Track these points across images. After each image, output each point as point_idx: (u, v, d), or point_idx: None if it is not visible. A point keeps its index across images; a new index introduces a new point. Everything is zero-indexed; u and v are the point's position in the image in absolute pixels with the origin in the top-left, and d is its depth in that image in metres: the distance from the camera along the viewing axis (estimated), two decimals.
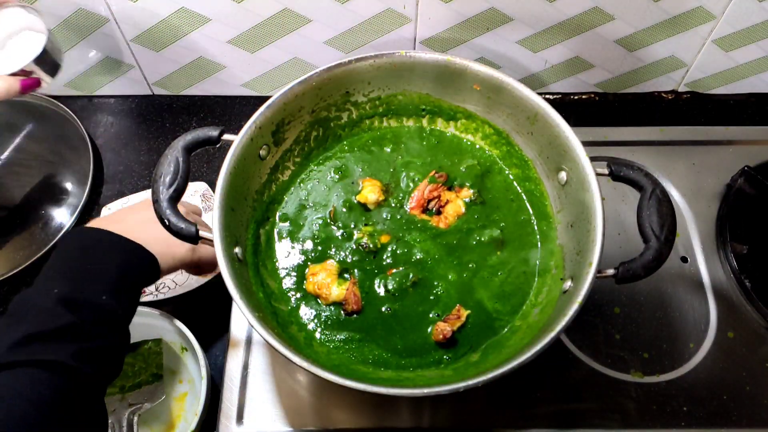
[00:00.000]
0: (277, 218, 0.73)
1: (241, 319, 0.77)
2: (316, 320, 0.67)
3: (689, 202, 0.84)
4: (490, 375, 0.53)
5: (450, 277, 0.68)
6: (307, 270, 0.69)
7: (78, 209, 0.84)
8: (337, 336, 0.66)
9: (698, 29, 0.85)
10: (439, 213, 0.72)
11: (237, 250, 0.64)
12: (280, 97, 0.68)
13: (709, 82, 0.95)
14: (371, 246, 0.69)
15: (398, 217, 0.72)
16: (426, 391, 0.54)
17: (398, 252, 0.70)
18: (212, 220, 0.61)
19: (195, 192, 0.86)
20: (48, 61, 0.73)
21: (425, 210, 0.73)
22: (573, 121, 0.66)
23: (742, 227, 0.81)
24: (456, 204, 0.72)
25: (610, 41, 0.87)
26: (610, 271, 0.60)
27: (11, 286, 0.82)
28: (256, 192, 0.71)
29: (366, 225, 0.72)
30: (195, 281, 0.79)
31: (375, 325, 0.66)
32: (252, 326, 0.56)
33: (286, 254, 0.71)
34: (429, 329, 0.66)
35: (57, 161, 0.91)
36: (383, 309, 0.67)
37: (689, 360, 0.74)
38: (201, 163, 0.90)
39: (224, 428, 0.70)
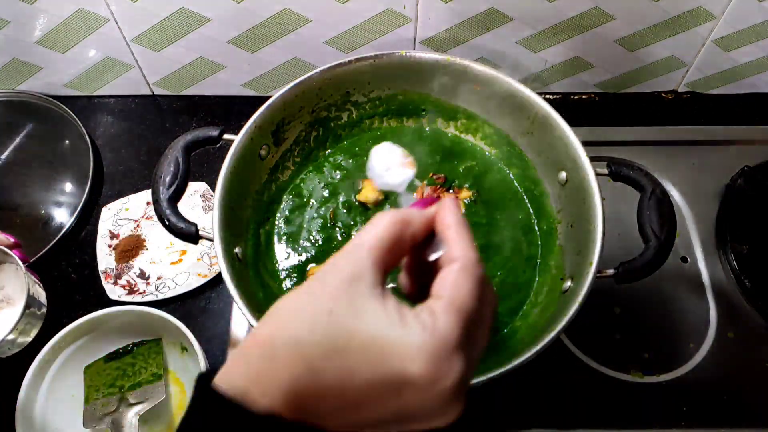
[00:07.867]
0: (277, 218, 0.73)
1: (241, 319, 0.77)
2: None
3: (689, 202, 0.84)
4: (490, 375, 0.53)
5: None
6: (307, 270, 0.69)
7: (78, 209, 0.84)
8: None
9: (698, 29, 0.85)
10: None
11: (237, 250, 0.64)
12: (280, 97, 0.68)
13: (709, 82, 0.95)
14: None
15: None
16: None
17: None
18: (212, 220, 0.61)
19: (195, 192, 0.86)
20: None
21: None
22: (573, 121, 0.66)
23: (742, 227, 0.81)
24: None
25: (610, 41, 0.87)
26: (610, 271, 0.60)
27: None
28: (256, 192, 0.71)
29: None
30: (195, 281, 0.79)
31: None
32: (252, 326, 0.56)
33: (287, 254, 0.71)
34: None
35: (57, 161, 0.91)
36: None
37: (689, 360, 0.74)
38: (201, 163, 0.90)
39: None
